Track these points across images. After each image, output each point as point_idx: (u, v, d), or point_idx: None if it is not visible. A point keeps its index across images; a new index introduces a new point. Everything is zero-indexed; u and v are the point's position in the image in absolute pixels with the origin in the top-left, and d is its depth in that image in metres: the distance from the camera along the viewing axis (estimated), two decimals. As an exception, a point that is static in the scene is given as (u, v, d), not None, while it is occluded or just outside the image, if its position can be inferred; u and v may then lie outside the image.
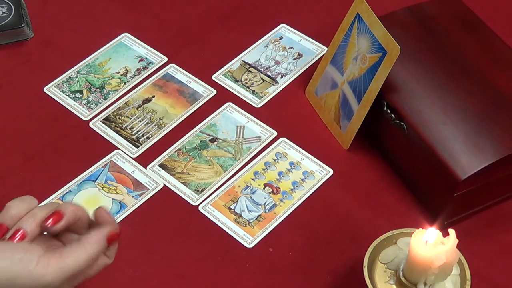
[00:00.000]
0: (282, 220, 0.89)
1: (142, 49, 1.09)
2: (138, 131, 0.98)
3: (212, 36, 1.10)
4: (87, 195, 0.92)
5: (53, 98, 1.03)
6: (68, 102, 1.02)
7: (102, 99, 1.02)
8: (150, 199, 0.92)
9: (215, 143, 0.97)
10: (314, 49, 1.08)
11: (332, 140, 0.97)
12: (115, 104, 1.02)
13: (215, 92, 1.03)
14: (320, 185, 0.93)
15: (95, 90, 1.03)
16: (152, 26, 1.12)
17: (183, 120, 1.00)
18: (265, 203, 0.91)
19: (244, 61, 1.07)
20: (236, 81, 1.04)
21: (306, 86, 1.02)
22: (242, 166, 0.95)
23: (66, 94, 1.03)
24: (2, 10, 1.10)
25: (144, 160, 0.95)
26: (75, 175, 0.94)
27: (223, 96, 1.02)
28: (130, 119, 1.00)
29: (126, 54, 1.08)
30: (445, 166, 0.83)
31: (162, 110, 1.01)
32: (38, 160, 0.96)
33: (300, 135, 0.98)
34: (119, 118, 1.00)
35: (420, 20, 0.95)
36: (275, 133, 0.98)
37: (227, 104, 1.01)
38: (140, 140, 0.98)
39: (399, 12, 0.96)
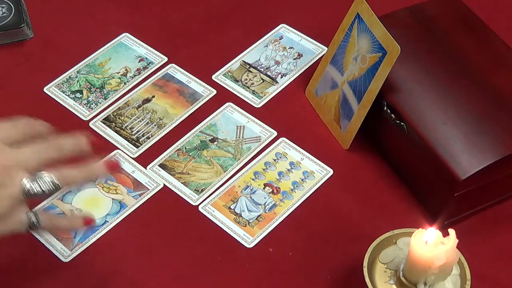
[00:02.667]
0: (282, 220, 0.89)
1: (142, 49, 1.08)
2: (138, 131, 0.98)
3: (212, 36, 1.10)
4: (87, 195, 0.91)
5: (53, 98, 1.03)
6: (68, 102, 1.02)
7: (102, 99, 1.02)
8: (150, 199, 0.92)
9: (215, 143, 0.97)
10: (314, 49, 1.08)
11: (332, 140, 0.97)
12: (115, 104, 1.02)
13: (215, 92, 1.03)
14: (320, 185, 0.92)
15: (95, 90, 1.03)
16: (152, 26, 1.12)
17: (183, 120, 1.00)
18: (265, 203, 0.91)
19: (244, 61, 1.07)
20: (236, 81, 1.04)
21: (306, 86, 1.02)
22: (242, 166, 0.95)
23: (66, 94, 1.03)
24: (2, 10, 1.10)
25: (144, 160, 0.95)
26: (75, 175, 0.94)
27: (223, 96, 1.02)
28: (130, 119, 1.00)
29: (126, 54, 1.08)
30: (445, 166, 0.83)
31: (162, 110, 1.01)
32: (38, 160, 0.96)
33: (300, 135, 0.97)
34: (119, 118, 1.00)
35: (420, 20, 0.95)
36: (275, 133, 0.98)
37: (227, 104, 1.01)
38: (140, 140, 0.98)
39: (399, 12, 0.96)
